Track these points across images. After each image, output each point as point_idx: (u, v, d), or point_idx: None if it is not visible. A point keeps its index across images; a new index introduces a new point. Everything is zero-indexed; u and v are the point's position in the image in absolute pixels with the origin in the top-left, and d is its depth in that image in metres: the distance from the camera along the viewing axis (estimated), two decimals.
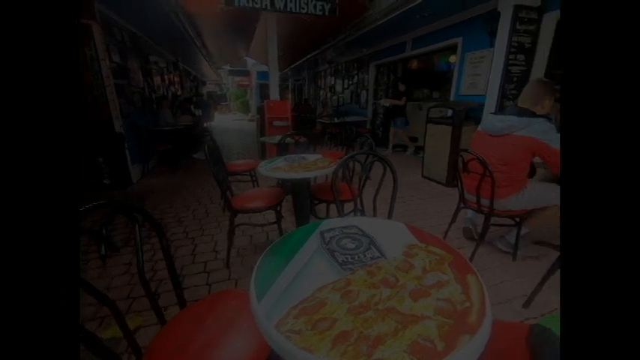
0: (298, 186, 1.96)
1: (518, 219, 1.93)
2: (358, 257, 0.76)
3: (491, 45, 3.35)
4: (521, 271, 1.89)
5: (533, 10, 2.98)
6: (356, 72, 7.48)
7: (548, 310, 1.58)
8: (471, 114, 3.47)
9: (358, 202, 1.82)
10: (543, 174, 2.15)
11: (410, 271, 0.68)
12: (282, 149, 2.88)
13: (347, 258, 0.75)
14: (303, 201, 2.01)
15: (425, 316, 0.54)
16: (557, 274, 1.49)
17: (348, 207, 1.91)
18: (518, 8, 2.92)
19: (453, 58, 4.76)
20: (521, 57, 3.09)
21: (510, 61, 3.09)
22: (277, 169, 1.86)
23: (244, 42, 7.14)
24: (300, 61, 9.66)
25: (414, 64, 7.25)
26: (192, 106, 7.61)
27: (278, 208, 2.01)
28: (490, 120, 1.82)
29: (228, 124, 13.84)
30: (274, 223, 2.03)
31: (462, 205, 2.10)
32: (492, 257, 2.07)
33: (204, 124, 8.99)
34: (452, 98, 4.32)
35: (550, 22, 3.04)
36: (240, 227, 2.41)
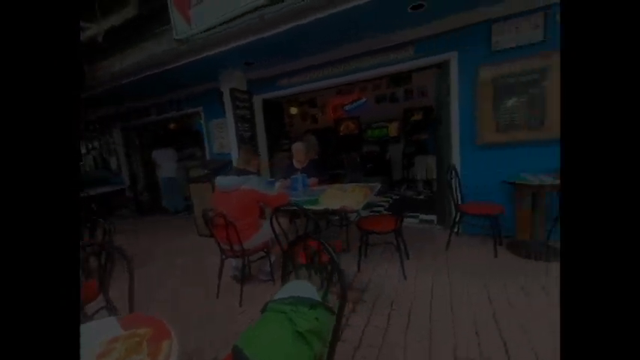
0: None
1: (266, 250, 2.44)
2: None
3: (225, 115, 4.12)
4: None
5: (244, 92, 4.05)
6: (96, 134, 6.27)
7: None
8: (225, 171, 3.99)
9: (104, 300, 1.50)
10: None
11: None
12: None
13: None
14: None
15: None
16: None
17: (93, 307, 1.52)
18: (233, 90, 3.85)
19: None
20: (246, 125, 4.06)
21: (240, 128, 3.96)
22: None
23: None
24: None
25: (173, 125, 7.30)
26: None
27: None
28: (220, 181, 2.21)
29: None
30: None
31: (223, 256, 2.33)
32: (259, 290, 2.43)
33: None
34: (208, 157, 4.76)
35: (258, 101, 4.27)
36: None
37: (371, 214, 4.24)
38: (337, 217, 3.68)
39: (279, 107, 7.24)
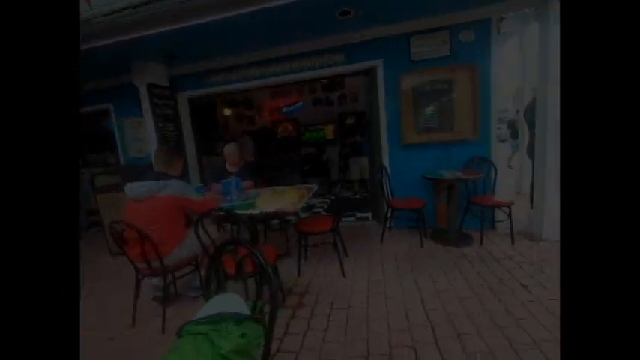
0: None
1: (195, 263, 2.17)
2: None
3: (142, 114, 3.59)
4: None
5: (165, 88, 3.60)
6: None
7: None
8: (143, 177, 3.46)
9: None
10: None
11: None
12: None
13: None
14: None
15: None
16: None
17: None
18: (150, 85, 3.39)
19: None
20: (170, 125, 3.62)
21: (162, 129, 3.50)
22: None
23: None
24: None
25: None
26: None
27: None
28: (131, 188, 1.88)
29: None
30: None
31: (140, 276, 1.98)
32: (189, 310, 2.15)
33: None
34: (122, 162, 4.09)
35: (183, 99, 3.86)
36: None
37: (312, 215, 4.24)
38: (276, 221, 3.58)
39: (211, 107, 6.77)
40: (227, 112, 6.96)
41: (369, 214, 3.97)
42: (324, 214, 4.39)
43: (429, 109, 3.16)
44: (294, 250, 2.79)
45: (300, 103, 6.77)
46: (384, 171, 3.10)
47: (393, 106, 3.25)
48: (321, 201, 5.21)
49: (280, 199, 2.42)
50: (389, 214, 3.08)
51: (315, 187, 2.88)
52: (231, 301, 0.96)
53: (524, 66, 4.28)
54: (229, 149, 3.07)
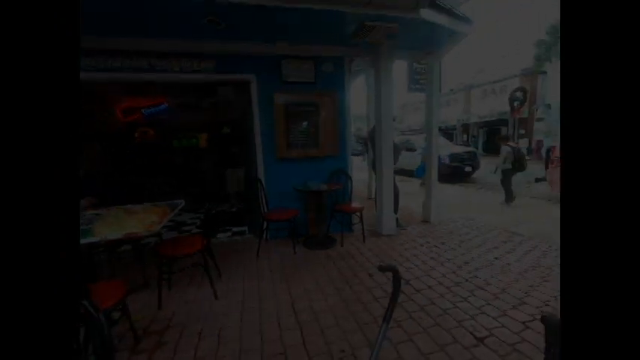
0: None
1: None
2: None
3: None
4: None
5: None
6: None
7: None
8: None
9: None
10: None
11: None
12: None
13: None
14: None
15: None
16: None
17: None
18: None
19: None
20: None
21: None
22: None
23: None
24: None
25: None
26: None
27: None
28: None
29: None
30: None
31: None
32: None
33: None
34: None
35: None
36: None
37: (177, 235, 3.74)
38: (129, 247, 2.95)
39: None
40: None
41: (246, 228, 3.91)
42: (196, 230, 3.98)
43: (301, 127, 3.49)
44: (154, 279, 2.38)
45: (164, 106, 5.93)
46: (259, 183, 3.15)
47: (267, 120, 3.38)
48: (193, 217, 4.70)
49: (133, 221, 2.02)
50: (265, 226, 3.14)
51: (182, 203, 2.58)
52: None
53: (369, 97, 5.45)
54: None
